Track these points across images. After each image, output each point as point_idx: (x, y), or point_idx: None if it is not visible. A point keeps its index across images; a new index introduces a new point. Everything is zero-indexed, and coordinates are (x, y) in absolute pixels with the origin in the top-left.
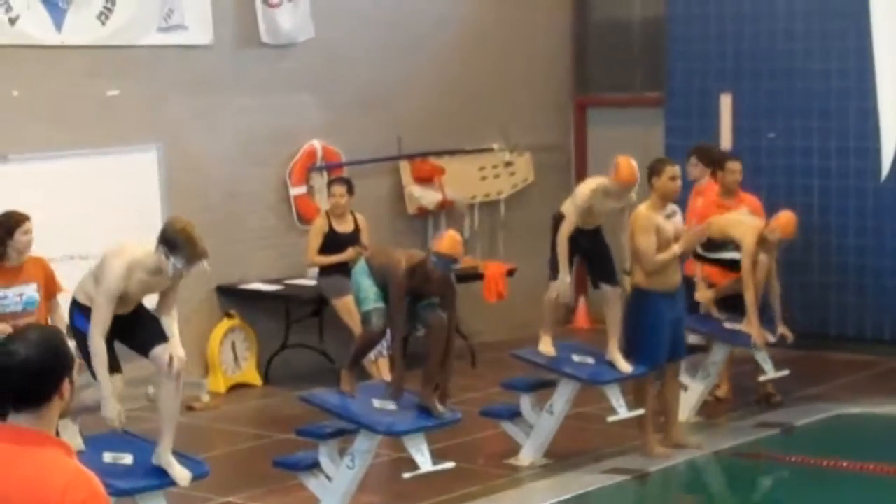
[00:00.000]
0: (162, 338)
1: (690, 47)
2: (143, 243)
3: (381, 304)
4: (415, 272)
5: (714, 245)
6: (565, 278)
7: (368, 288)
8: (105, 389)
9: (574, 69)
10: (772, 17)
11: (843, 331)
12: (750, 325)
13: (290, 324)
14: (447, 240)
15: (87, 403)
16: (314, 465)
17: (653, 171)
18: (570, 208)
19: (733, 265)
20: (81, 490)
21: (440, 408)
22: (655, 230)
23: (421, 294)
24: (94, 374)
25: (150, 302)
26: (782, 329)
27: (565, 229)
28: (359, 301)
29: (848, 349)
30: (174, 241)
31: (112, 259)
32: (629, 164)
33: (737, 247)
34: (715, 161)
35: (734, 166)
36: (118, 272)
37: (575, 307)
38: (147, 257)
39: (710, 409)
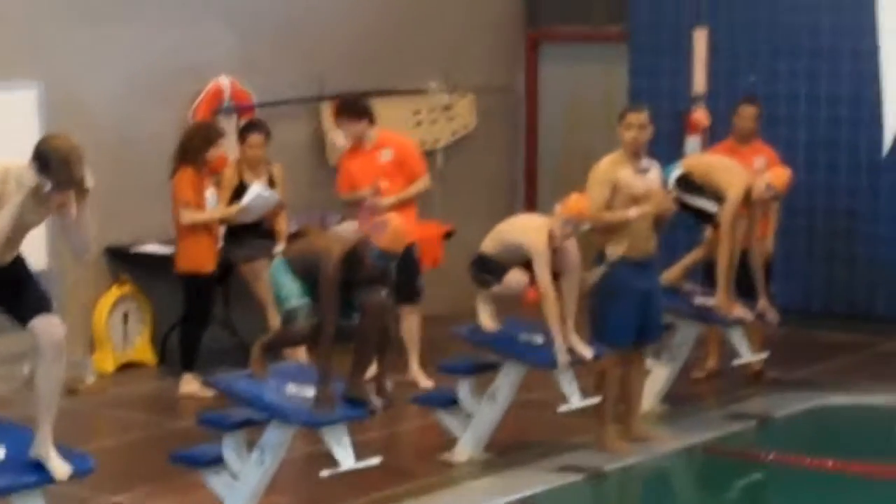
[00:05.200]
0: (46, 305)
1: None
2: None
3: (305, 300)
4: (347, 263)
5: (691, 186)
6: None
7: (290, 284)
8: None
9: None
10: None
11: (829, 306)
12: (718, 295)
13: None
14: (391, 233)
15: None
16: (217, 461)
17: (618, 119)
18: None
19: (704, 217)
20: None
21: (377, 400)
22: (614, 185)
23: (352, 280)
24: None
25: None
26: (763, 305)
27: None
28: (279, 300)
29: (835, 328)
30: (46, 158)
31: None
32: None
33: (715, 197)
34: (363, 111)
35: (746, 111)
36: None
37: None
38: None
39: (700, 388)
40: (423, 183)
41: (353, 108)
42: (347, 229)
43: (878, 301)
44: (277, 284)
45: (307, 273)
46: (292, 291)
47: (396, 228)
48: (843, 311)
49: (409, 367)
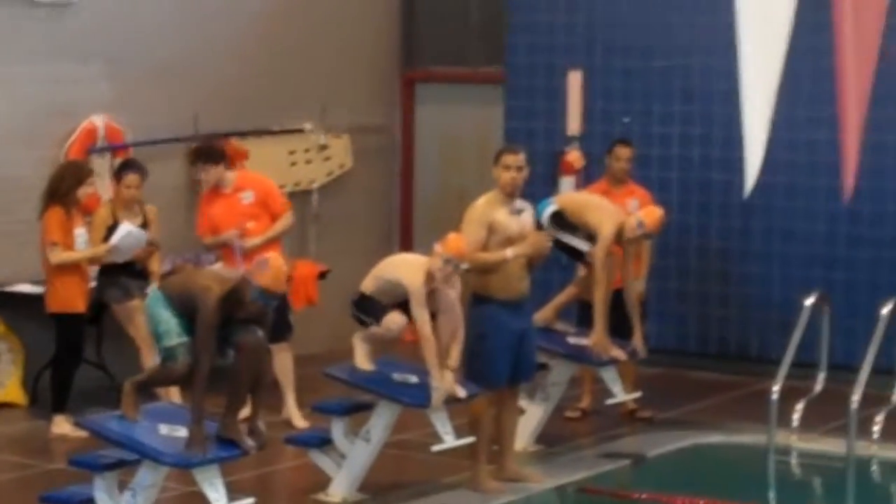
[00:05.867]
0: None
1: (535, 16)
2: None
3: (185, 339)
4: (226, 302)
5: (565, 224)
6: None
7: (168, 320)
8: None
9: (401, 38)
10: None
11: (703, 346)
12: (595, 334)
13: None
14: (272, 273)
15: None
16: (89, 502)
17: (494, 160)
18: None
19: (577, 255)
20: None
21: (249, 441)
22: (490, 226)
23: (230, 318)
24: None
25: None
26: (637, 342)
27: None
28: (158, 335)
29: (709, 368)
30: None
31: None
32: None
33: (589, 236)
34: (220, 155)
35: (621, 152)
36: None
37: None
38: None
39: (574, 427)
40: (286, 220)
41: (210, 153)
42: (224, 269)
43: (750, 341)
44: (155, 318)
45: (184, 308)
46: (170, 328)
47: (278, 268)
48: (716, 351)
49: (286, 404)
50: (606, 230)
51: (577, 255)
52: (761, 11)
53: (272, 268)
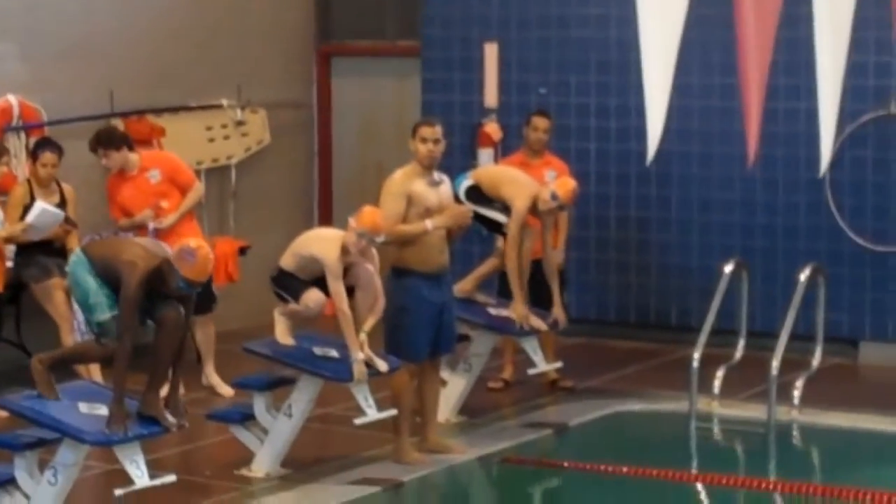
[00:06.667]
0: None
1: None
2: None
3: (116, 311)
4: (150, 279)
5: (482, 197)
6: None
7: (97, 290)
8: None
9: (317, 13)
10: None
11: (623, 316)
12: (515, 305)
13: None
14: (200, 264)
15: None
16: (9, 482)
17: (411, 132)
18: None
19: (496, 227)
20: None
21: (170, 418)
22: (409, 197)
23: (152, 292)
24: None
25: None
26: (556, 313)
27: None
28: (88, 307)
29: (629, 337)
30: None
31: None
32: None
33: (506, 208)
34: (121, 139)
35: (539, 123)
36: None
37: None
38: None
39: (496, 398)
40: (197, 191)
41: (111, 138)
42: (151, 242)
43: (670, 309)
44: (82, 287)
45: (107, 276)
46: (101, 300)
47: (205, 259)
48: (636, 319)
49: (205, 373)
50: (520, 203)
51: (496, 226)
52: None
53: (199, 259)
